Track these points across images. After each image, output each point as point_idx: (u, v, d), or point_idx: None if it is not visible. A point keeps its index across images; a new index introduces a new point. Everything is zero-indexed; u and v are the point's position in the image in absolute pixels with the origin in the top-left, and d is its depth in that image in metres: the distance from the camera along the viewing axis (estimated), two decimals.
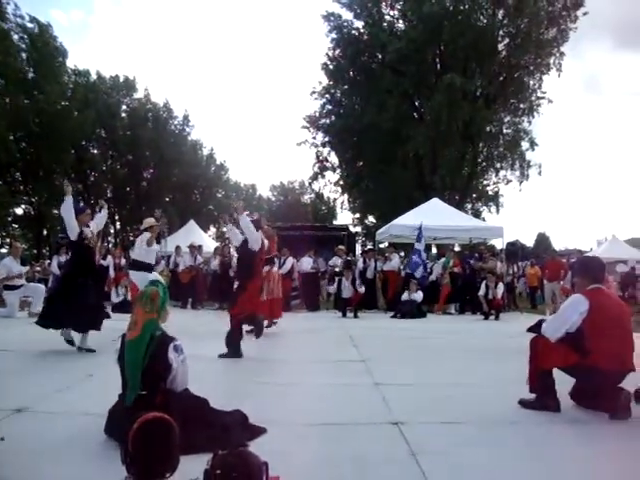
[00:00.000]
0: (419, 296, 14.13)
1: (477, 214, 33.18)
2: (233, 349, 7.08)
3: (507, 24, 29.16)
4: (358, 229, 41.12)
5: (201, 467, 2.22)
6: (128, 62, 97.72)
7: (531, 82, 30.34)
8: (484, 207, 35.91)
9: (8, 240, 39.40)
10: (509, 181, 32.45)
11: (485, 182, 35.45)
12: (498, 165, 33.49)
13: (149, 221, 9.65)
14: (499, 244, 18.05)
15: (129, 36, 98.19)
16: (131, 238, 38.55)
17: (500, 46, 29.63)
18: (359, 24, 32.15)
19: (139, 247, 9.51)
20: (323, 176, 36.56)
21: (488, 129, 30.95)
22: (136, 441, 2.13)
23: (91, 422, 3.99)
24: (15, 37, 33.65)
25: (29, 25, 34.94)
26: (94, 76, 42.79)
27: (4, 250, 35.89)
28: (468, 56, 28.98)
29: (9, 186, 35.09)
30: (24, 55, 34.81)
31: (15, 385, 5.47)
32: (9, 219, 38.04)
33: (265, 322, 9.35)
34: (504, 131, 32.21)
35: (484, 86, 29.21)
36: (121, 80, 44.78)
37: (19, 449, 3.47)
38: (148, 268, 9.47)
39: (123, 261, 16.03)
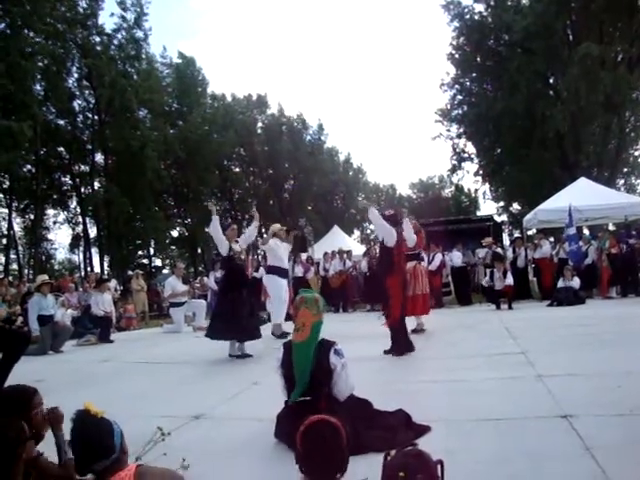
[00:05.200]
0: (576, 282, 13.38)
1: (631, 189, 31.04)
2: (400, 345, 7.15)
3: None
4: (504, 218, 39.87)
5: (368, 468, 2.26)
6: (259, 80, 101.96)
7: None
8: (638, 180, 33.58)
9: (168, 261, 42.48)
10: None
11: (637, 153, 33.17)
12: None
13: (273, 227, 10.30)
14: None
15: (257, 56, 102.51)
16: None
17: None
18: (480, 7, 31.29)
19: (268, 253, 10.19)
20: (462, 168, 36.05)
21: (634, 96, 28.69)
22: (304, 443, 2.17)
23: (262, 427, 4.23)
24: (160, 73, 36.51)
25: (173, 62, 38.03)
26: (229, 98, 45.13)
27: (166, 271, 38.72)
28: (603, 21, 27.10)
29: (164, 211, 37.75)
30: (169, 89, 37.56)
31: (189, 394, 5.93)
32: (167, 242, 40.79)
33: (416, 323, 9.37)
34: None
35: (625, 50, 27.20)
36: (254, 98, 46.68)
37: (200, 452, 3.75)
38: (281, 273, 10.01)
39: None
